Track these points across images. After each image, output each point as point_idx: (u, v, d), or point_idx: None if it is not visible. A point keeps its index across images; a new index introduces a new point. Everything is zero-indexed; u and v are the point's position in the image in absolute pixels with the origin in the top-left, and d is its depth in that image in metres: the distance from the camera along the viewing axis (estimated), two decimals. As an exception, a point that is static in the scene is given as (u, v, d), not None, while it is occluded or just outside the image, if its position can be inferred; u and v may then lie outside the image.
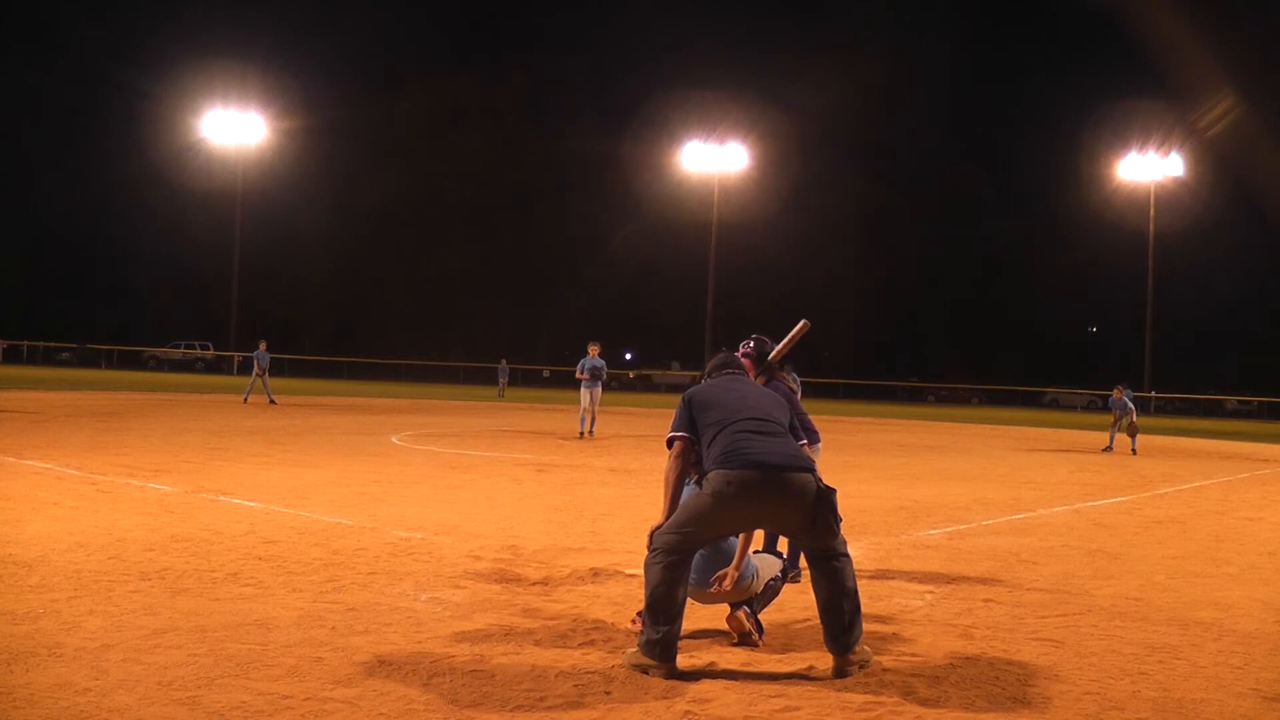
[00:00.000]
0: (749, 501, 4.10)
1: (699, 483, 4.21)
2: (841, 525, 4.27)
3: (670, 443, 4.43)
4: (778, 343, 6.16)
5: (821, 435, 6.42)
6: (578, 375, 17.18)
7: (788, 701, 3.80)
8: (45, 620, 4.49)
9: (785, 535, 4.34)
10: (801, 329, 5.89)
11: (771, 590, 4.72)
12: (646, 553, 4.58)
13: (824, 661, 4.23)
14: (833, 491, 4.18)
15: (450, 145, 64.41)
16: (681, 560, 4.13)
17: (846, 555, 4.24)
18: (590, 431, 17.09)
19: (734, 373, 4.75)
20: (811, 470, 4.17)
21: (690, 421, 4.40)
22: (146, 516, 7.28)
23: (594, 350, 17.04)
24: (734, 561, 4.48)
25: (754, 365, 6.10)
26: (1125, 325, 59.22)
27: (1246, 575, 6.78)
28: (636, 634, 4.62)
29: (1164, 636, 4.97)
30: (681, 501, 4.28)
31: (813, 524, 4.13)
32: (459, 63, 68.05)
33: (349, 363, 55.79)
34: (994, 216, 67.82)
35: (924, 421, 31.91)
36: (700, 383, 4.79)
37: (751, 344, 6.19)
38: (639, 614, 4.78)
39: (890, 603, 5.53)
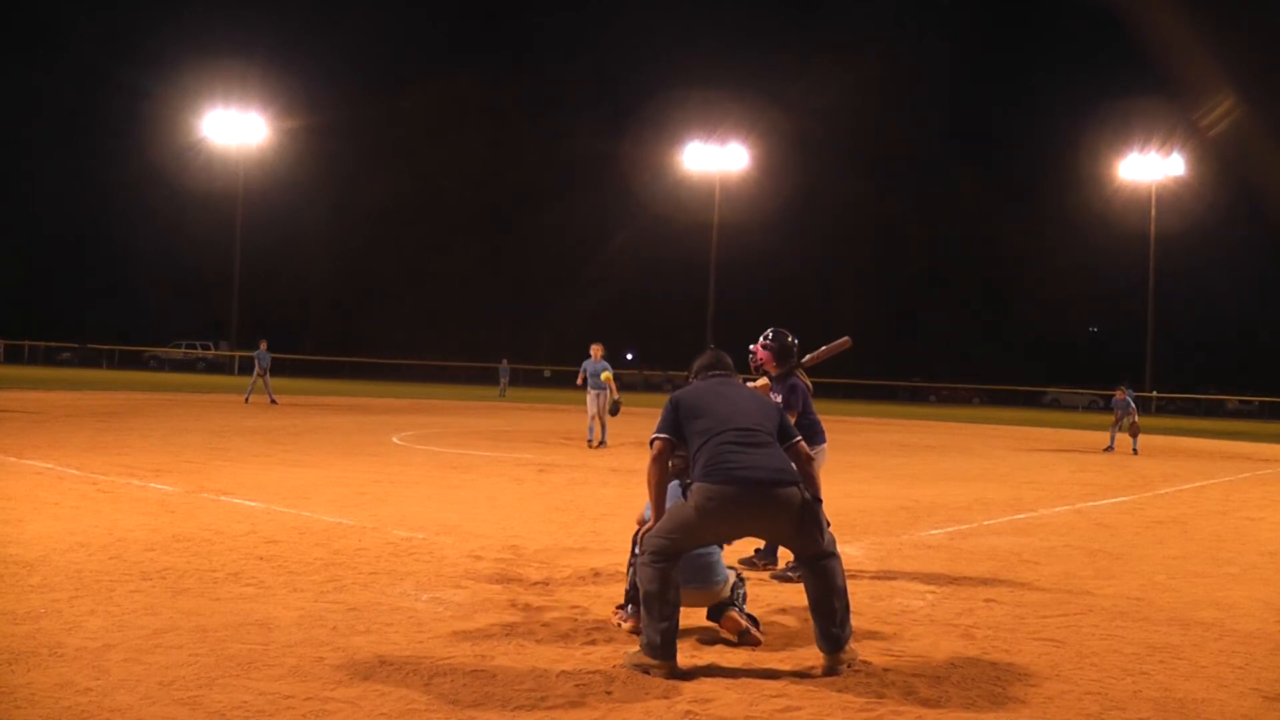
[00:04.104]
0: (731, 515, 4.14)
1: (685, 492, 4.20)
2: (829, 529, 4.31)
3: (652, 442, 4.41)
4: (794, 340, 6.17)
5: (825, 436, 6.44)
6: (578, 382, 15.76)
7: (789, 701, 3.80)
8: (46, 620, 4.49)
9: (772, 542, 4.37)
10: (842, 344, 5.86)
11: (741, 596, 4.73)
12: (635, 553, 4.65)
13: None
14: (818, 502, 4.21)
15: (450, 145, 64.42)
16: (672, 563, 4.18)
17: (835, 555, 4.27)
18: (603, 441, 15.65)
19: (722, 374, 4.69)
20: (797, 483, 4.18)
21: (676, 425, 4.38)
22: (147, 516, 7.28)
23: (596, 352, 15.62)
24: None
25: (775, 358, 6.11)
26: (1126, 325, 59.21)
27: (1248, 575, 6.78)
28: (629, 630, 4.67)
29: (1165, 636, 4.97)
30: (669, 508, 4.29)
31: (798, 534, 4.18)
32: (459, 63, 68.11)
33: (350, 363, 55.79)
34: (995, 216, 67.81)
35: (925, 421, 31.90)
36: (688, 383, 4.77)
37: (772, 336, 6.19)
38: (618, 608, 4.82)
39: (892, 603, 5.53)
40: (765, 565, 6.12)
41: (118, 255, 63.85)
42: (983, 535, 8.13)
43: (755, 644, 4.53)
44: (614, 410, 15.24)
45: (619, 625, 4.76)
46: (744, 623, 4.56)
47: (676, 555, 4.19)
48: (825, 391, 50.36)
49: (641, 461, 13.68)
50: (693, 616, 4.88)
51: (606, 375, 15.33)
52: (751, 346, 6.31)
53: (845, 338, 6.12)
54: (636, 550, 4.91)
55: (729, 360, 4.80)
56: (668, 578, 4.12)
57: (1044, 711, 3.80)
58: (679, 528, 4.16)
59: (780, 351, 6.15)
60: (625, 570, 5.01)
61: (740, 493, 4.09)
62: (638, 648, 4.16)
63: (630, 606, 4.80)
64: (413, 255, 64.63)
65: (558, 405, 30.53)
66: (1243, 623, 5.33)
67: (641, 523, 5.01)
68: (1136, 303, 54.38)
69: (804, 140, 62.16)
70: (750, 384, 5.88)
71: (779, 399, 6.00)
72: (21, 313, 55.34)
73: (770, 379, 6.19)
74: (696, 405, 4.38)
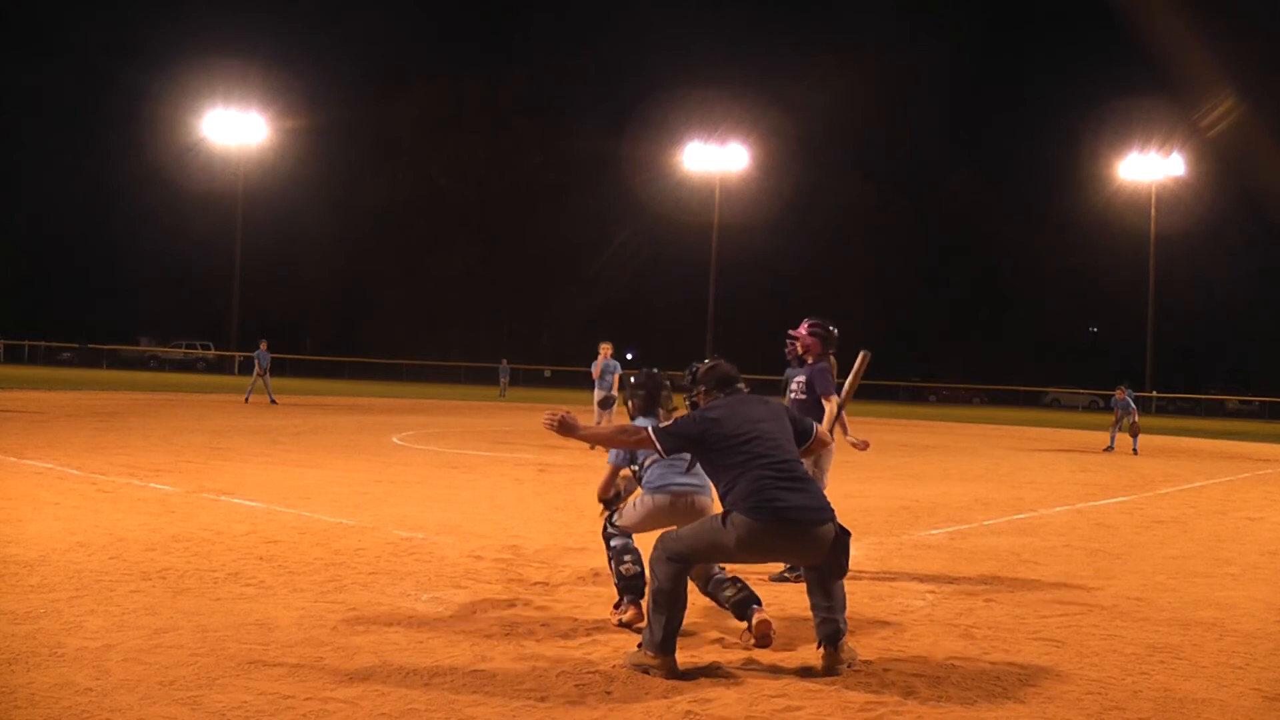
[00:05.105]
0: (768, 549, 4.21)
1: (723, 521, 4.19)
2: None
3: (643, 430, 4.38)
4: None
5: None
6: (594, 375, 15.55)
7: (789, 701, 3.81)
8: (46, 620, 4.50)
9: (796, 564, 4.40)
10: (864, 362, 5.95)
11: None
12: (610, 546, 4.92)
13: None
14: (848, 535, 4.26)
15: (450, 145, 64.30)
16: (688, 568, 4.21)
17: None
18: None
19: (740, 391, 4.62)
20: (832, 518, 4.21)
21: (696, 445, 4.33)
22: (148, 516, 7.29)
23: (606, 351, 15.23)
24: None
25: (820, 345, 6.36)
26: (1126, 325, 59.15)
27: (1248, 575, 6.78)
28: (628, 619, 4.73)
29: (1165, 636, 4.98)
30: (704, 525, 4.29)
31: (827, 564, 4.23)
32: (459, 63, 67.86)
33: (350, 363, 55.79)
34: (995, 216, 67.71)
35: (925, 421, 31.89)
36: (694, 393, 4.69)
37: (816, 324, 6.42)
38: (616, 606, 4.85)
39: (892, 602, 5.53)
40: (796, 578, 6.15)
41: (118, 255, 63.80)
42: (983, 535, 8.13)
43: (768, 644, 4.46)
44: (605, 405, 15.19)
45: (617, 623, 4.77)
46: (771, 627, 4.45)
47: (696, 563, 4.27)
48: (825, 391, 50.27)
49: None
50: (692, 617, 4.88)
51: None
52: (792, 332, 6.49)
53: (864, 353, 6.20)
54: (611, 542, 4.95)
55: (739, 375, 4.71)
56: (682, 578, 4.16)
57: (1044, 711, 3.80)
58: (712, 548, 4.20)
59: (824, 339, 6.40)
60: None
61: (788, 531, 4.11)
62: (638, 647, 4.17)
63: (627, 597, 4.82)
64: (413, 255, 64.49)
65: (558, 405, 30.45)
66: (1243, 623, 5.34)
67: (606, 499, 5.04)
68: (1136, 303, 54.34)
69: (804, 140, 62.09)
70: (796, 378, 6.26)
71: (803, 382, 6.33)
72: (21, 313, 55.32)
73: (806, 365, 6.45)
74: (730, 432, 4.28)
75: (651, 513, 4.88)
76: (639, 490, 5.02)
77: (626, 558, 4.87)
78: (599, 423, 15.14)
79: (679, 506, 4.84)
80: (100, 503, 7.87)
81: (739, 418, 4.35)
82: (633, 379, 5.28)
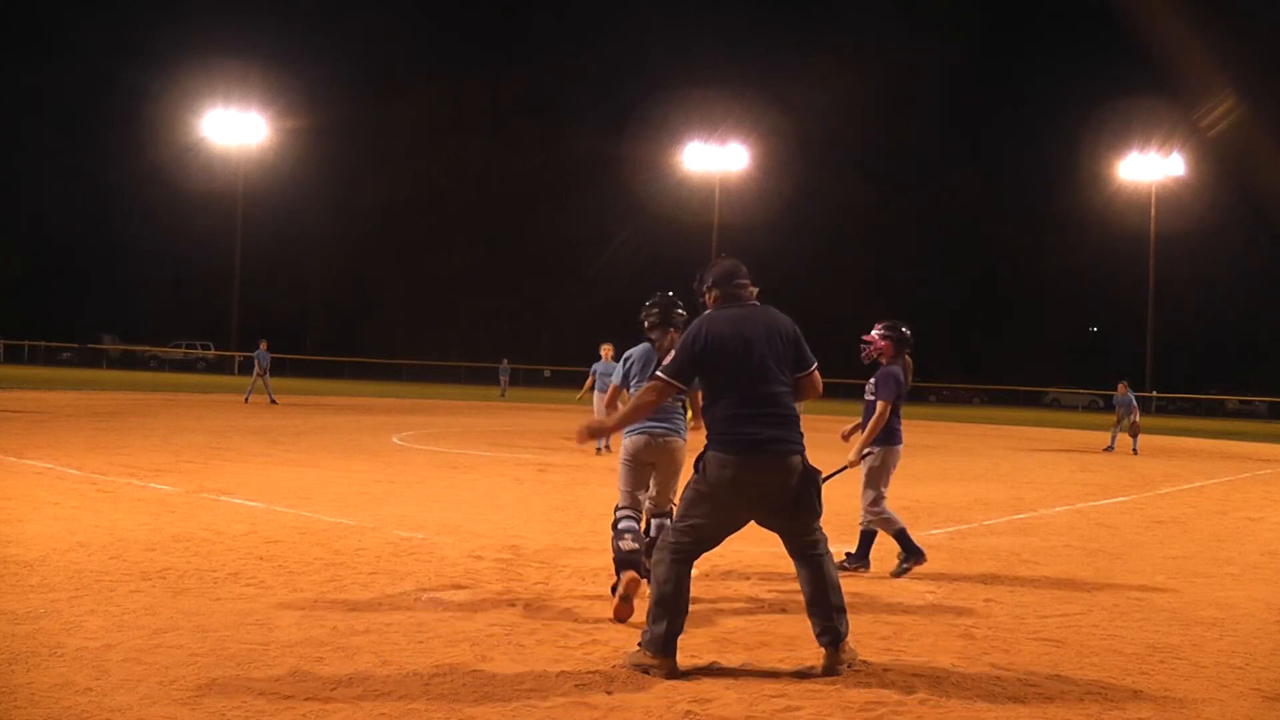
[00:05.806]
0: (743, 485, 4.13)
1: (696, 467, 4.21)
2: (821, 510, 4.28)
3: (655, 381, 4.32)
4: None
5: (822, 436, 6.57)
6: (587, 385, 15.64)
7: (789, 701, 3.81)
8: (46, 620, 4.50)
9: (771, 524, 4.29)
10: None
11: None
12: (615, 526, 5.11)
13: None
14: (818, 473, 4.26)
15: (450, 145, 64.33)
16: (689, 559, 4.20)
17: (828, 551, 4.32)
18: (606, 446, 14.88)
19: (743, 287, 4.43)
20: (801, 452, 4.22)
21: (698, 369, 4.26)
22: (148, 516, 7.29)
23: (607, 353, 15.03)
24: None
25: (896, 347, 6.52)
26: (1126, 325, 59.14)
27: (1248, 575, 6.78)
28: (616, 606, 4.84)
29: (1165, 636, 4.98)
30: (685, 489, 4.31)
31: (797, 502, 4.18)
32: (459, 63, 67.86)
33: (350, 363, 55.79)
34: (995, 216, 67.72)
35: (925, 421, 31.86)
36: (703, 296, 4.56)
37: (889, 327, 6.58)
38: (612, 589, 5.01)
39: (892, 603, 5.53)
40: (855, 568, 6.37)
41: (118, 255, 63.78)
42: (983, 535, 8.13)
43: (625, 617, 4.75)
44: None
45: (614, 613, 4.86)
46: (637, 588, 4.76)
47: (697, 551, 4.23)
48: (827, 391, 50.21)
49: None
50: (692, 617, 4.88)
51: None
52: (866, 337, 6.65)
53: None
54: (619, 525, 5.20)
55: (747, 274, 4.49)
56: (684, 580, 4.16)
57: (1044, 711, 3.80)
58: (694, 507, 4.19)
59: (897, 341, 6.54)
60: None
61: (752, 463, 4.12)
62: (638, 646, 4.17)
63: (622, 571, 4.98)
64: (413, 255, 64.51)
65: (558, 405, 30.51)
66: (1243, 623, 5.34)
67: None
68: (1136, 303, 54.33)
69: (804, 140, 62.09)
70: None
71: (872, 385, 6.50)
72: (21, 313, 55.29)
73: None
74: (722, 350, 4.21)
75: (636, 454, 5.29)
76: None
77: (628, 535, 5.10)
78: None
79: (654, 445, 5.25)
80: (100, 503, 7.87)
81: (736, 337, 4.25)
82: (648, 301, 5.51)
